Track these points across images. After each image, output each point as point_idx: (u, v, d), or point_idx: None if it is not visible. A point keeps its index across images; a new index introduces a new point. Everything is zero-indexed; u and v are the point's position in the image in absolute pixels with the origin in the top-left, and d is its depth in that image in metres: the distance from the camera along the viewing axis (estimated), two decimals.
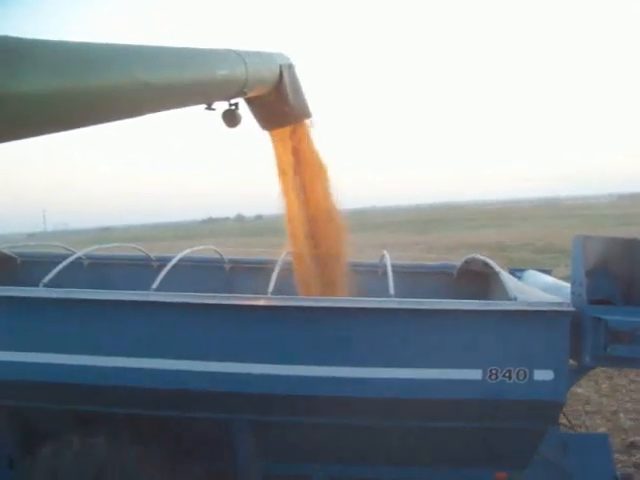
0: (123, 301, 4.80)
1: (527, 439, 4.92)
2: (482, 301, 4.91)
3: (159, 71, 4.18)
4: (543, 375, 4.55)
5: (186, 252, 6.25)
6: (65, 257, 6.15)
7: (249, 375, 4.62)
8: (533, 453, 5.00)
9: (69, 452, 4.69)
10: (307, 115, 6.46)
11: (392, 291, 5.06)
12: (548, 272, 7.18)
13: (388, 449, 5.07)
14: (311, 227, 6.54)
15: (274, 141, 6.45)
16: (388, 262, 6.02)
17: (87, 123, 3.77)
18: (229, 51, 5.22)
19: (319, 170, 6.57)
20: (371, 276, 7.04)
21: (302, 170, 6.48)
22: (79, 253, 6.41)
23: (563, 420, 6.04)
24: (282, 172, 6.46)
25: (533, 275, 6.99)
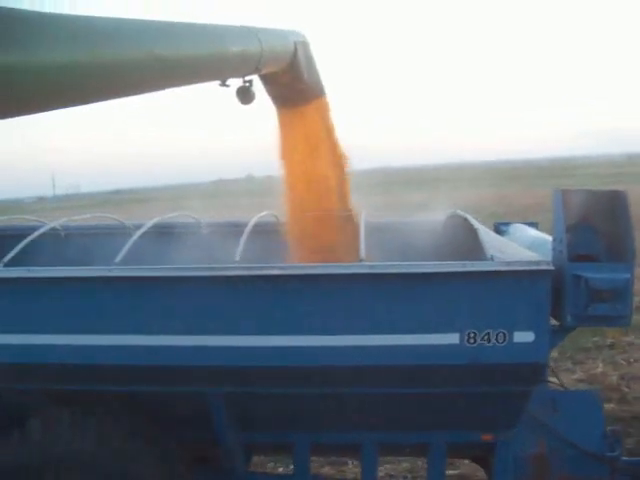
0: (86, 277, 4.66)
1: (512, 401, 4.81)
2: (456, 262, 4.60)
3: (171, 46, 4.16)
4: (523, 337, 4.38)
5: (157, 219, 6.03)
6: (39, 230, 5.97)
7: (220, 348, 4.56)
8: (519, 415, 4.90)
9: (54, 431, 4.65)
10: (321, 92, 6.44)
11: (363, 255, 4.76)
12: (535, 225, 6.79)
13: (370, 416, 5.00)
14: (316, 199, 6.42)
15: (283, 118, 6.40)
16: (362, 222, 5.65)
17: (97, 98, 3.77)
18: (243, 27, 5.19)
19: (333, 147, 6.53)
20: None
21: (312, 148, 6.37)
22: (48, 225, 6.19)
23: (553, 378, 5.96)
24: (287, 151, 6.40)
25: (519, 229, 6.64)
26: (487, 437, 5.04)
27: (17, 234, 6.20)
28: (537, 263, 4.41)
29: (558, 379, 6.00)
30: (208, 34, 4.73)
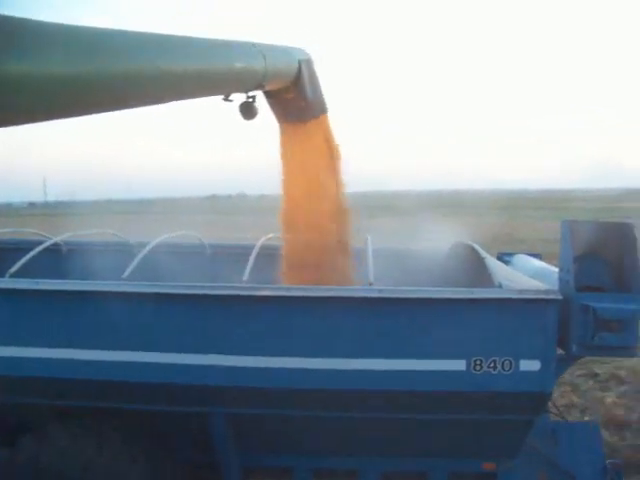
0: (93, 292, 4.66)
1: (514, 430, 4.84)
2: (465, 289, 4.71)
3: (177, 60, 4.16)
4: (529, 365, 4.45)
5: (162, 238, 6.02)
6: (42, 244, 5.98)
7: (225, 368, 4.55)
8: (521, 444, 4.92)
9: (53, 445, 4.63)
10: (324, 110, 6.45)
11: (372, 279, 4.85)
12: (538, 256, 6.94)
13: (371, 441, 5.00)
14: (314, 217, 6.39)
15: (286, 134, 6.41)
16: (369, 247, 5.73)
17: (100, 110, 3.75)
18: (248, 44, 5.21)
19: (333, 165, 6.52)
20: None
21: (313, 165, 6.38)
22: (50, 241, 6.19)
23: (552, 408, 5.94)
24: (288, 167, 6.40)
25: (522, 260, 6.77)
26: (488, 466, 5.05)
27: (17, 247, 6.33)
28: (545, 292, 4.49)
29: (557, 409, 5.99)
30: (213, 49, 4.73)
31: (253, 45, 5.20)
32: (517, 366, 4.44)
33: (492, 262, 5.37)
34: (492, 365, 4.44)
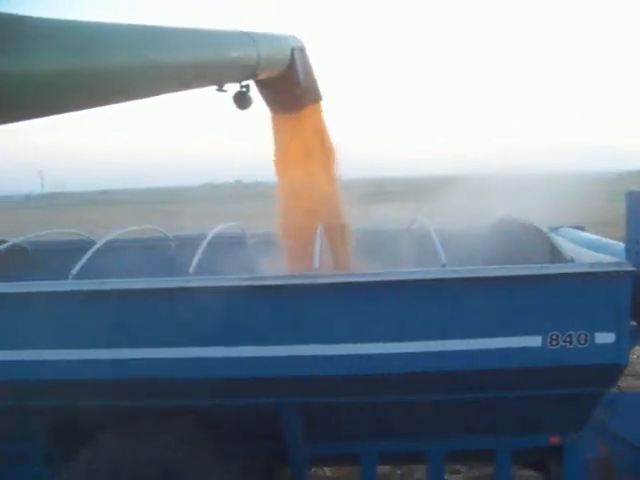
0: (163, 289, 4.59)
1: (584, 403, 4.87)
2: (539, 265, 4.68)
3: (170, 51, 4.16)
4: (605, 338, 4.46)
5: (216, 230, 5.86)
6: (77, 243, 5.86)
7: (295, 358, 4.52)
8: (589, 416, 4.95)
9: (133, 445, 4.63)
10: (318, 98, 6.42)
11: (444, 260, 4.75)
12: (581, 229, 6.88)
13: (440, 423, 5.00)
14: (309, 203, 6.32)
15: (279, 122, 6.38)
16: (431, 228, 5.56)
17: (94, 104, 3.74)
18: (241, 33, 5.20)
19: (327, 153, 6.50)
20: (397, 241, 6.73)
21: (307, 151, 6.33)
22: (101, 242, 5.91)
23: None
24: (281, 155, 6.38)
25: (570, 233, 6.64)
26: (555, 440, 5.07)
27: (55, 249, 6.45)
28: (618, 264, 4.47)
29: None
30: (205, 39, 4.73)
31: (245, 34, 5.20)
32: (592, 339, 4.45)
33: (555, 236, 5.33)
34: (568, 339, 4.45)
